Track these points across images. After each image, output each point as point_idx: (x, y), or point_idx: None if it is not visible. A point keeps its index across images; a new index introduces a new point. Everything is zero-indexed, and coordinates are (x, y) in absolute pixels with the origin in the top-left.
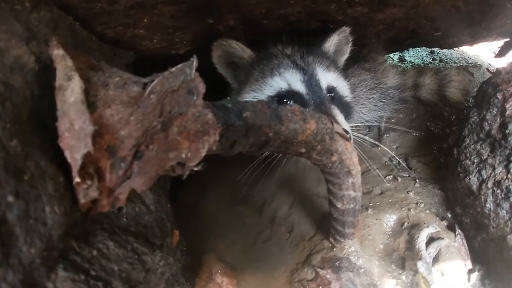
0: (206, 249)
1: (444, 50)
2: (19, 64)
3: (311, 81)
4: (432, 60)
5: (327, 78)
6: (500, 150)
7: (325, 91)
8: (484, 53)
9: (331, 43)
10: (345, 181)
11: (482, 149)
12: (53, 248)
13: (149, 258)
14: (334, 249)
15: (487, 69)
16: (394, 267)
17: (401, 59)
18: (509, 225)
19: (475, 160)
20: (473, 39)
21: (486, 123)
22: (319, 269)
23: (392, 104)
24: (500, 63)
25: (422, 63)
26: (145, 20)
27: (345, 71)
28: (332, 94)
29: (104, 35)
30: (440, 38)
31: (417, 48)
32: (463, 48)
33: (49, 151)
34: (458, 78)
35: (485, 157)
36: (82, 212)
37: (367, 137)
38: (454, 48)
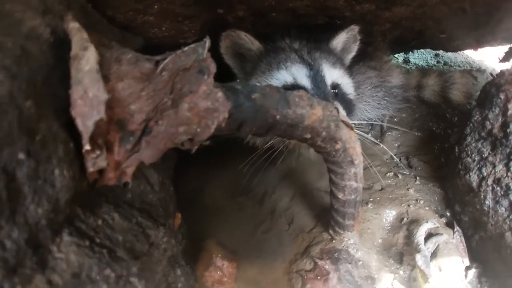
0: (206, 236)
1: (449, 54)
2: (35, 34)
3: (316, 77)
4: (437, 63)
5: (332, 74)
6: (501, 148)
7: (329, 87)
8: (488, 58)
9: (339, 41)
10: (347, 171)
11: (483, 147)
12: (59, 212)
13: (153, 232)
14: (333, 241)
15: (491, 74)
16: (392, 261)
17: (406, 61)
18: (508, 222)
19: (476, 158)
20: (478, 43)
21: (488, 122)
22: (317, 260)
23: (396, 103)
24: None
25: (427, 65)
26: (155, 6)
27: (350, 68)
28: (336, 91)
29: (115, 20)
30: (445, 40)
31: (421, 50)
32: (467, 52)
33: (60, 118)
34: (462, 81)
35: (485, 155)
36: (88, 182)
37: (368, 135)
38: (459, 52)
